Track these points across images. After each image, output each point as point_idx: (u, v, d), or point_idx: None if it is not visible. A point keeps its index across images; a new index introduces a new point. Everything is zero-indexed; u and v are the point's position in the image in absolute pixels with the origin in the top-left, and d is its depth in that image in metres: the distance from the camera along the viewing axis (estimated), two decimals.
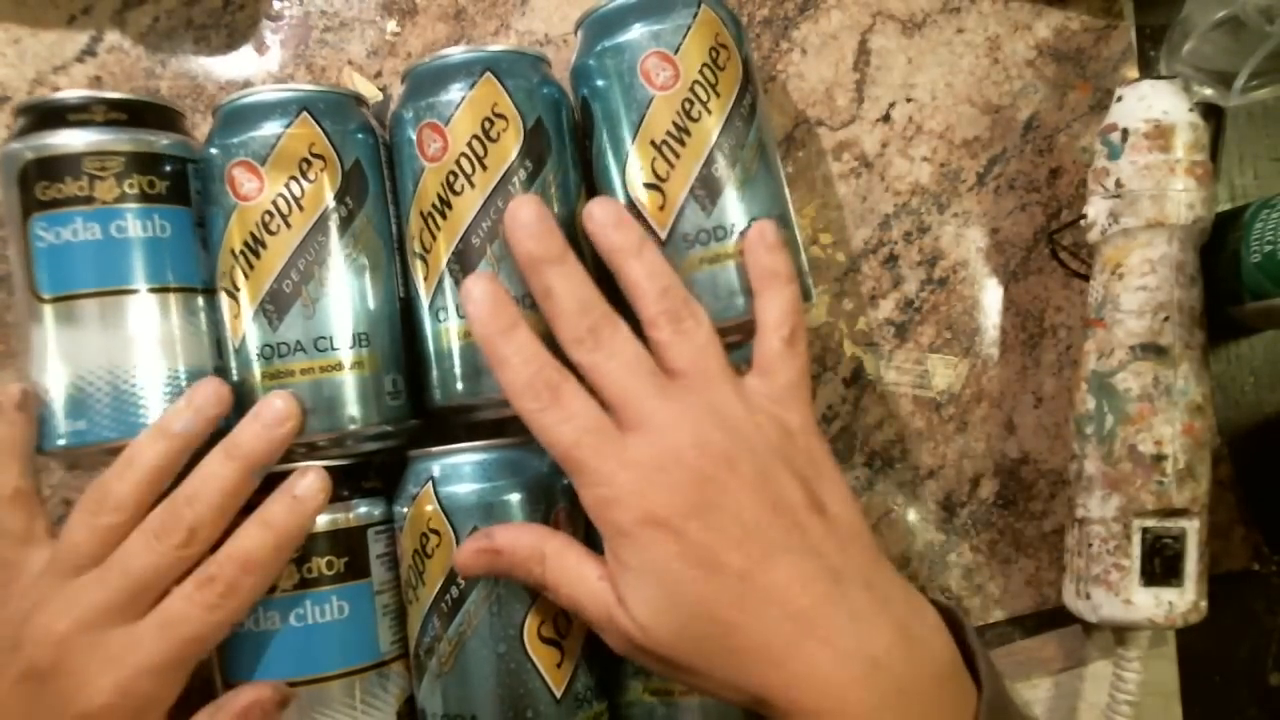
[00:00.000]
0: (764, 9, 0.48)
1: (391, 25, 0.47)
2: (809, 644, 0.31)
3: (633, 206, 0.39)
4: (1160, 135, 0.42)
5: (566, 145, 0.40)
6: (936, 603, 0.35)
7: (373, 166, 0.40)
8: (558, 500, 0.39)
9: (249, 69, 0.46)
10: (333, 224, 0.39)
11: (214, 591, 0.35)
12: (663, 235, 0.38)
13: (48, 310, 0.38)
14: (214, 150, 0.39)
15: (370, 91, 0.46)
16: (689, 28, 0.39)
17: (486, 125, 0.38)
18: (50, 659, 0.34)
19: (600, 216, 0.36)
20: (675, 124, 0.38)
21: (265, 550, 0.36)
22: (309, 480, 0.37)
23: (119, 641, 0.34)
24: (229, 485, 0.36)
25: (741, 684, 0.32)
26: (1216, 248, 0.44)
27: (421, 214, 0.39)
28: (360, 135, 0.40)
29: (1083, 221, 0.45)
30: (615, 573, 0.33)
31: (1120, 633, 0.44)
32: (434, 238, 0.39)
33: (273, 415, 0.37)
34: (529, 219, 0.35)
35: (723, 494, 0.33)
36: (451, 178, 0.38)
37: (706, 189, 0.38)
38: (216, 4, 0.46)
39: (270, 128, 0.38)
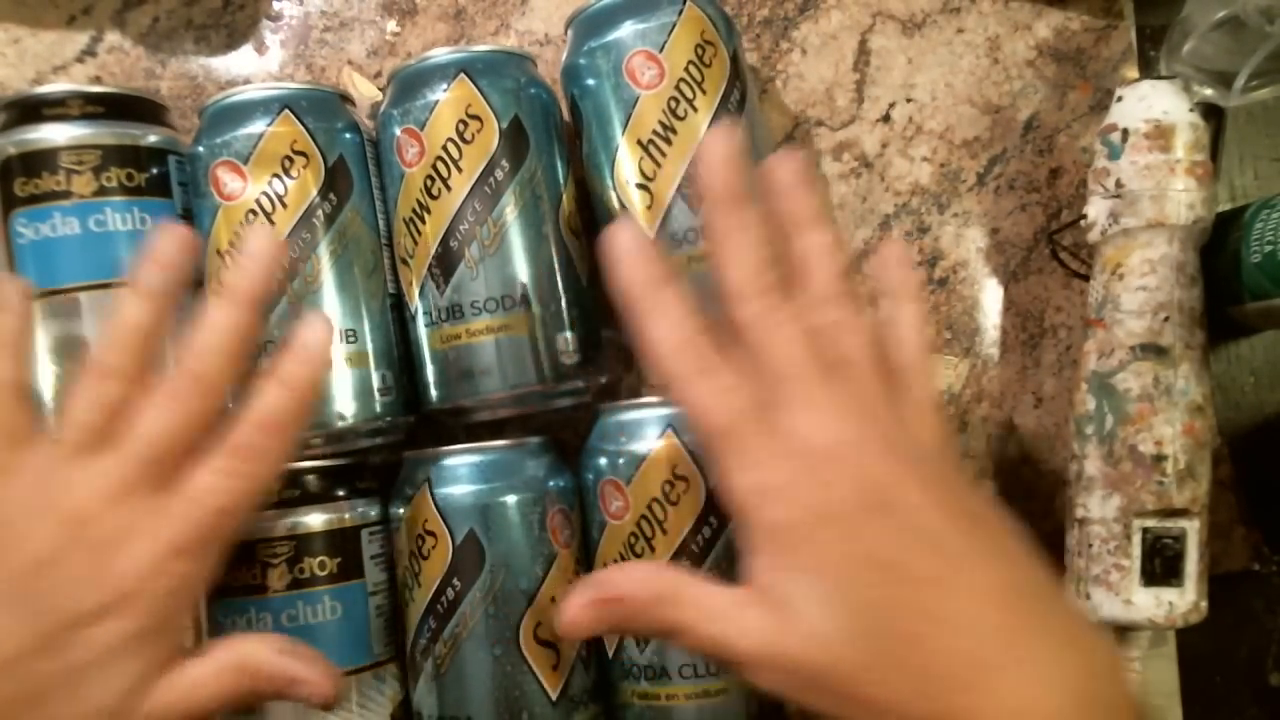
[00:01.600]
0: (764, 9, 0.48)
1: (391, 25, 0.47)
2: (1009, 665, 0.26)
3: (622, 206, 0.39)
4: (1160, 135, 0.42)
5: (551, 143, 0.40)
6: None
7: (358, 163, 0.40)
8: (554, 502, 0.39)
9: (249, 69, 0.46)
10: (317, 221, 0.39)
11: (238, 458, 0.32)
12: (651, 235, 0.38)
13: (33, 306, 0.38)
14: (200, 150, 0.39)
15: (371, 91, 0.46)
16: (674, 26, 0.39)
17: (461, 127, 0.38)
18: (68, 538, 0.30)
19: (788, 173, 0.33)
20: (662, 123, 0.38)
21: (284, 408, 0.33)
22: (315, 329, 0.34)
23: (146, 517, 0.31)
24: (231, 328, 0.33)
25: (919, 714, 0.27)
26: (1216, 248, 0.44)
27: (404, 220, 0.40)
28: (344, 132, 0.40)
29: (1083, 221, 0.45)
30: (774, 577, 0.29)
31: (1120, 633, 0.44)
32: (415, 242, 0.39)
33: (255, 249, 0.34)
34: (729, 151, 0.31)
35: (901, 494, 0.28)
36: (429, 182, 0.39)
37: (695, 187, 0.38)
38: (216, 4, 0.46)
39: (253, 127, 0.39)
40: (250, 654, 0.32)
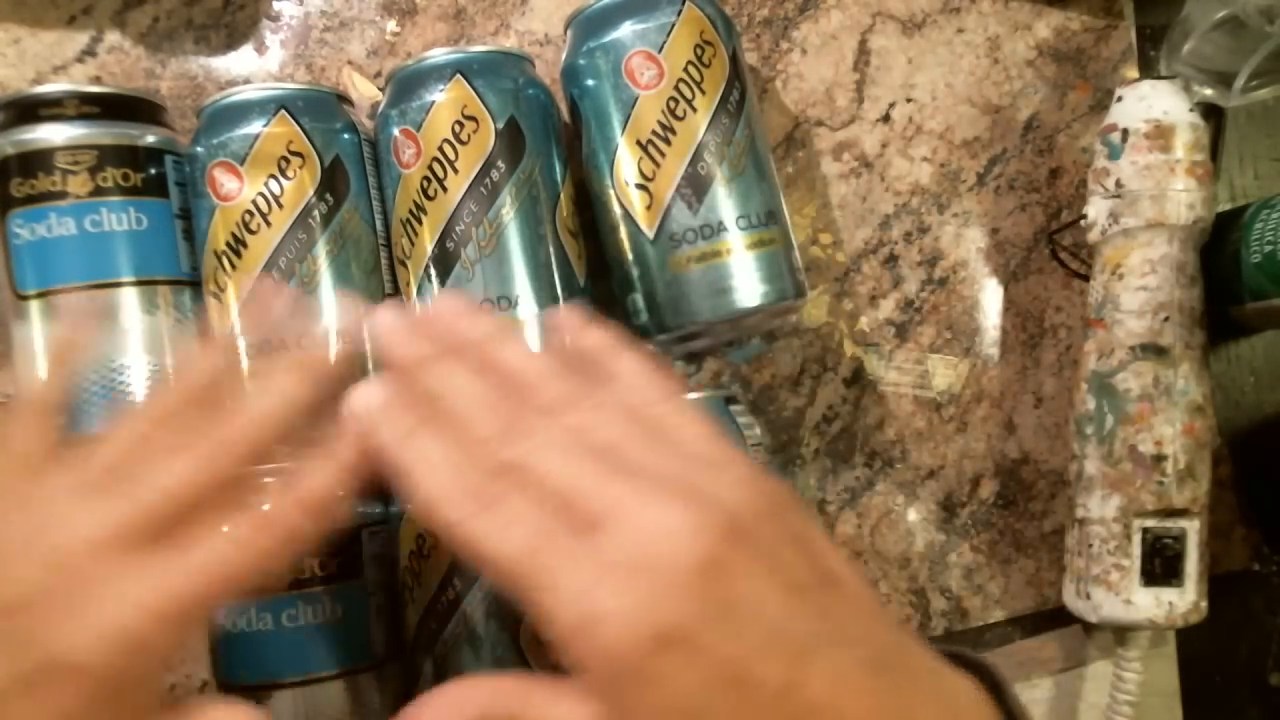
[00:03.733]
0: (764, 9, 0.48)
1: (391, 25, 0.47)
2: None
3: (622, 206, 0.39)
4: (1160, 135, 0.42)
5: (548, 144, 0.40)
6: (969, 660, 0.28)
7: (354, 163, 0.40)
8: None
9: (249, 69, 0.46)
10: (313, 221, 0.39)
11: (263, 532, 0.28)
12: (650, 235, 0.39)
13: (29, 307, 0.38)
14: (198, 151, 0.39)
15: (371, 91, 0.46)
16: (673, 26, 0.39)
17: (457, 128, 0.39)
18: (37, 585, 0.26)
19: (451, 309, 0.31)
20: (660, 123, 0.39)
21: (330, 491, 0.29)
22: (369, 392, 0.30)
23: (130, 572, 0.27)
24: (293, 400, 0.30)
25: None
26: (1216, 248, 0.44)
27: (401, 221, 0.40)
28: (341, 133, 0.40)
29: (1083, 221, 0.45)
30: None
31: (1120, 633, 0.44)
32: (413, 243, 0.39)
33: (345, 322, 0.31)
34: (395, 323, 0.30)
35: (735, 583, 0.24)
36: (425, 183, 0.39)
37: (693, 187, 0.38)
38: (216, 4, 0.46)
39: (249, 127, 0.39)
40: None
